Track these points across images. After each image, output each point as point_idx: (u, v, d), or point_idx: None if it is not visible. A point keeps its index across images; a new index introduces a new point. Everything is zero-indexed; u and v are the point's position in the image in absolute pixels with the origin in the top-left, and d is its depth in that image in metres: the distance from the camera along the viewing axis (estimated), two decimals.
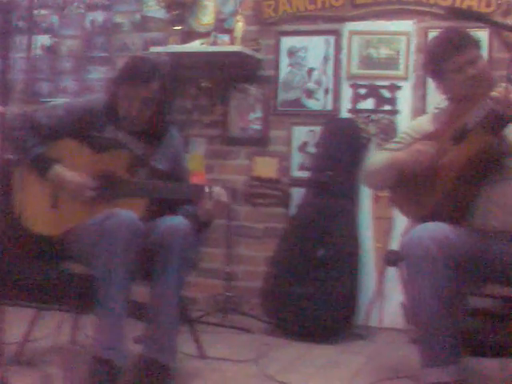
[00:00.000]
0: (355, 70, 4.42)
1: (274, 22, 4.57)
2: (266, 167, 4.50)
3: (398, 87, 4.34)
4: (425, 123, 3.23)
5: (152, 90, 3.05)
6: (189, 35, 4.64)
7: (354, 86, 4.42)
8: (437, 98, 3.99)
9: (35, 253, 3.10)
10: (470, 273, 2.85)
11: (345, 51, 4.44)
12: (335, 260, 4.01)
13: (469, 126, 2.90)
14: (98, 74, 4.89)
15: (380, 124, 4.34)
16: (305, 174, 4.42)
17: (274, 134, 4.57)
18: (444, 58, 3.01)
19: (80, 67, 4.95)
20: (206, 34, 4.58)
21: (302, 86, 4.51)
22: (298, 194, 4.39)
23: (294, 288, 4.00)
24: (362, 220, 4.33)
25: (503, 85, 2.71)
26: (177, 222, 2.99)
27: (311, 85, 4.50)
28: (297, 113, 4.52)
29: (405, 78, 4.33)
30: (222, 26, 4.57)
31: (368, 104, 4.39)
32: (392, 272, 3.92)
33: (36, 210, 3.08)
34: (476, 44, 3.07)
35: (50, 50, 5.01)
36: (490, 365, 3.51)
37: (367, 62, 4.40)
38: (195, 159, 4.64)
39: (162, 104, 3.12)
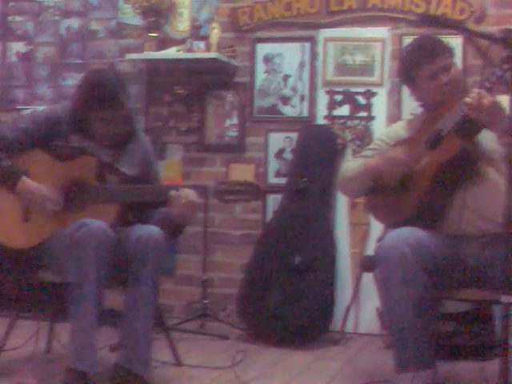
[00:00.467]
0: (331, 76, 4.43)
1: (249, 28, 4.58)
2: (242, 174, 4.49)
3: (374, 93, 4.36)
4: (400, 130, 3.25)
5: (123, 105, 3.07)
6: (164, 42, 4.64)
7: (330, 93, 4.44)
8: (412, 105, 4.02)
9: (9, 264, 3.07)
10: (444, 277, 2.87)
11: (320, 58, 4.45)
12: (311, 266, 4.01)
13: (443, 131, 2.91)
14: (74, 81, 4.82)
15: (355, 130, 4.36)
16: (281, 181, 4.43)
17: (250, 141, 4.57)
18: (417, 66, 3.03)
19: (56, 74, 4.92)
20: (182, 41, 4.58)
21: (278, 92, 4.52)
22: (274, 200, 4.41)
23: (269, 294, 4.00)
24: (339, 226, 4.35)
25: (476, 91, 2.72)
26: (150, 231, 2.99)
27: (287, 91, 4.51)
28: (273, 119, 4.53)
29: (380, 85, 4.35)
30: (197, 32, 4.56)
31: (344, 110, 4.41)
32: (368, 278, 3.93)
33: (7, 224, 3.07)
34: (449, 51, 3.08)
35: (26, 57, 4.98)
36: (466, 368, 3.54)
37: (343, 68, 4.42)
38: (172, 166, 4.64)
39: (129, 111, 3.14)
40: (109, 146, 3.12)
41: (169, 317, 4.23)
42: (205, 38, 4.50)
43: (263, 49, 4.56)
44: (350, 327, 4.23)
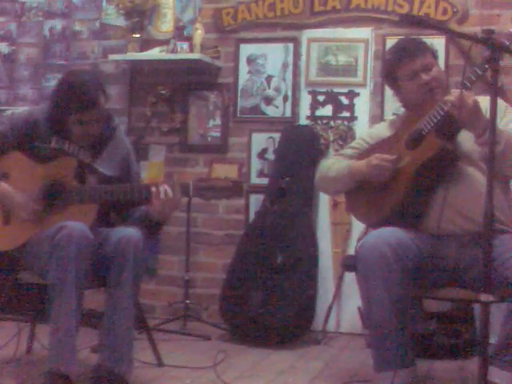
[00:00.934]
0: (314, 77, 4.44)
1: (233, 29, 4.58)
2: (225, 174, 4.49)
3: (356, 94, 4.37)
4: (382, 130, 3.25)
5: (101, 106, 3.07)
6: (148, 43, 4.65)
7: (313, 93, 4.44)
8: (394, 105, 4.06)
9: None
10: (424, 276, 2.88)
11: (303, 58, 4.46)
12: (293, 266, 4.02)
13: (423, 131, 2.92)
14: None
15: (338, 130, 4.36)
16: (264, 181, 4.44)
17: (233, 141, 4.58)
18: (398, 65, 3.05)
19: (38, 75, 4.91)
20: (165, 42, 4.59)
21: (261, 93, 4.53)
22: (256, 200, 4.41)
23: (251, 294, 4.00)
24: (320, 225, 4.36)
25: (459, 90, 2.73)
26: (129, 232, 2.98)
27: (270, 92, 4.51)
28: (256, 120, 4.54)
29: (363, 85, 4.36)
30: (181, 33, 4.56)
31: (326, 111, 4.42)
32: (350, 277, 3.93)
33: None
34: (431, 51, 3.10)
35: (8, 58, 4.96)
36: (446, 367, 3.55)
37: (326, 69, 4.43)
38: (154, 167, 4.63)
39: (107, 112, 3.15)
40: (88, 147, 3.12)
41: (151, 317, 4.23)
42: (188, 38, 4.50)
43: (246, 49, 4.57)
44: (331, 326, 4.24)
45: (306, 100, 4.45)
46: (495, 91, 2.38)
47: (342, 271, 4.06)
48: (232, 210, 4.54)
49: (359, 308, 3.80)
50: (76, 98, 3.01)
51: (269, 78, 4.52)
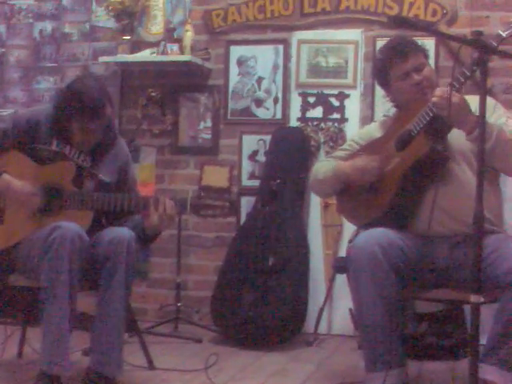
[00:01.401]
0: (304, 78, 4.44)
1: (223, 31, 4.58)
2: (215, 176, 4.50)
3: (347, 95, 4.37)
4: (372, 131, 3.26)
5: (107, 115, 3.06)
6: (138, 45, 4.64)
7: (303, 95, 4.44)
8: (385, 106, 4.05)
9: None
10: (414, 277, 2.88)
11: (294, 60, 4.46)
12: (284, 268, 4.02)
13: (413, 132, 2.93)
14: (47, 84, 4.84)
15: (329, 132, 4.36)
16: (255, 183, 4.43)
17: (223, 143, 4.57)
18: (390, 65, 3.05)
19: (28, 77, 4.89)
20: (156, 44, 4.57)
21: (252, 94, 4.53)
22: (247, 202, 4.41)
23: (243, 296, 4.00)
24: (312, 227, 4.36)
25: (443, 89, 2.74)
26: (122, 232, 2.97)
27: (261, 94, 4.51)
28: (246, 122, 4.54)
29: (353, 87, 4.36)
30: (171, 35, 4.56)
31: (317, 112, 4.42)
32: (341, 279, 3.94)
33: None
34: (422, 51, 3.10)
35: None
36: (436, 367, 3.55)
37: (316, 70, 4.43)
38: (145, 169, 4.62)
39: (111, 120, 3.15)
40: (88, 152, 3.11)
41: (142, 320, 4.22)
42: (178, 40, 4.49)
43: (237, 51, 4.57)
44: (323, 328, 4.23)
45: (296, 102, 4.46)
46: (484, 93, 2.39)
47: (333, 273, 4.07)
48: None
49: (350, 310, 3.80)
50: (82, 107, 2.99)
51: (259, 80, 4.52)
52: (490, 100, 2.98)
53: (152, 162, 4.65)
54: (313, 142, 4.35)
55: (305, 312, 4.06)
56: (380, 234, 2.84)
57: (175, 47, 4.47)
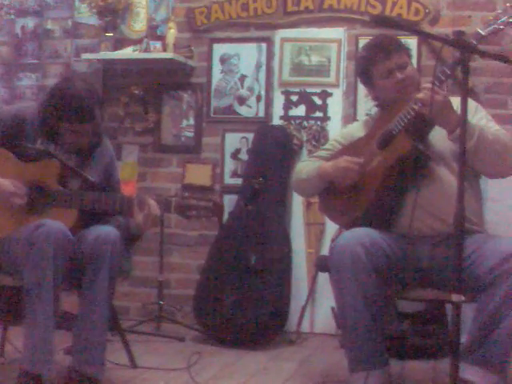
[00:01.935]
0: (287, 77, 4.44)
1: (206, 29, 4.57)
2: (198, 174, 4.49)
3: (329, 94, 4.38)
4: (355, 130, 3.26)
5: (97, 117, 3.03)
6: (121, 42, 4.62)
7: (286, 93, 4.44)
8: (367, 105, 4.08)
9: None
10: (396, 277, 2.89)
11: (277, 58, 4.46)
12: (267, 266, 4.02)
13: (394, 131, 2.94)
14: (29, 81, 4.81)
15: (311, 131, 4.37)
16: (238, 181, 4.43)
17: (206, 141, 4.57)
18: (373, 62, 3.05)
19: (10, 74, 4.86)
20: (139, 41, 4.56)
21: (235, 93, 4.52)
22: (230, 200, 4.41)
23: (225, 295, 3.99)
24: (294, 226, 4.36)
25: (429, 86, 2.74)
26: (106, 231, 2.96)
27: (243, 92, 4.51)
28: (229, 120, 4.53)
29: (336, 85, 4.37)
30: (154, 32, 4.56)
31: (299, 111, 4.42)
32: (323, 277, 3.94)
33: None
34: (406, 50, 3.11)
35: None
36: (418, 367, 3.56)
37: (299, 69, 4.43)
38: (127, 167, 4.61)
39: (99, 121, 3.12)
40: (74, 151, 3.09)
41: (124, 318, 4.22)
42: (161, 37, 4.49)
43: (220, 49, 4.56)
44: (305, 327, 4.24)
45: (279, 100, 4.46)
46: (466, 92, 2.40)
47: (315, 271, 4.07)
48: None
49: (333, 308, 3.80)
50: (72, 109, 2.96)
51: (242, 78, 4.52)
52: (471, 102, 2.99)
53: (134, 160, 4.64)
54: (295, 141, 4.36)
55: (287, 310, 4.07)
56: (362, 234, 2.84)
57: (158, 45, 4.47)
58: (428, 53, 4.23)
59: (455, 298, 2.36)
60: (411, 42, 4.04)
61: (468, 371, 2.62)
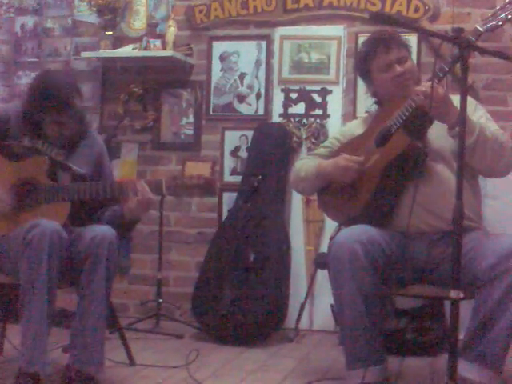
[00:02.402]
0: (286, 74, 4.44)
1: (205, 26, 4.57)
2: (198, 172, 4.48)
3: (329, 91, 4.37)
4: (355, 128, 3.26)
5: (76, 106, 3.05)
6: (120, 40, 4.62)
7: (286, 91, 4.44)
8: (367, 103, 4.06)
9: None
10: (395, 274, 2.88)
11: (276, 56, 4.46)
12: (266, 264, 4.01)
13: (392, 128, 2.93)
14: (28, 80, 4.78)
15: (311, 128, 4.36)
16: (237, 179, 4.43)
17: (206, 139, 4.56)
18: (372, 56, 3.05)
19: (9, 72, 4.86)
20: (138, 39, 4.56)
21: (234, 90, 4.52)
22: (229, 198, 4.41)
23: (224, 292, 3.98)
24: (293, 223, 4.36)
25: (429, 83, 2.74)
26: (103, 230, 2.96)
27: (243, 89, 4.51)
28: (229, 117, 4.53)
29: (335, 83, 4.36)
30: (153, 30, 4.55)
31: (299, 108, 4.42)
32: (322, 275, 3.94)
33: None
34: (405, 45, 3.10)
35: None
36: (416, 363, 3.56)
37: (298, 66, 4.43)
38: (127, 165, 4.61)
39: (81, 111, 3.14)
40: (61, 145, 3.10)
41: (123, 316, 4.21)
42: (161, 35, 4.49)
43: (219, 47, 4.56)
44: (304, 324, 4.23)
45: (278, 98, 4.45)
46: (465, 88, 2.40)
47: (314, 269, 4.06)
48: (205, 208, 4.53)
49: (332, 305, 3.81)
50: (51, 99, 2.99)
51: (241, 76, 4.52)
52: (471, 100, 3.00)
53: (133, 158, 4.64)
54: (295, 138, 4.36)
55: (286, 308, 4.07)
56: (361, 231, 2.84)
57: (158, 43, 4.46)
58: (428, 50, 4.22)
59: (453, 294, 2.36)
60: (411, 38, 4.02)
61: (465, 368, 2.61)
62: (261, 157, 4.32)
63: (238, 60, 4.53)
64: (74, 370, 2.90)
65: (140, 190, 2.95)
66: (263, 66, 4.48)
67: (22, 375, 2.79)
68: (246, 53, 4.51)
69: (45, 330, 2.81)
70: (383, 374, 2.81)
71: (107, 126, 4.61)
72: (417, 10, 4.22)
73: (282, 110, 4.44)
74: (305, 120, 4.39)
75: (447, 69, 2.75)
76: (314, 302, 4.26)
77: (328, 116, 4.36)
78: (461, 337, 2.49)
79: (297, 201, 4.35)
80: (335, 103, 4.36)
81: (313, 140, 4.33)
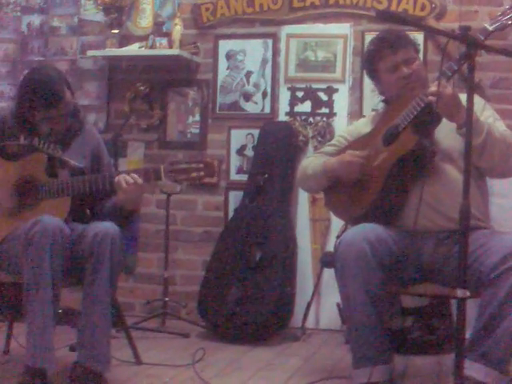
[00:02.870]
0: (293, 72, 4.43)
1: (212, 25, 4.56)
2: None
3: (335, 90, 4.36)
4: (361, 126, 3.26)
5: (68, 101, 3.07)
6: (127, 39, 4.62)
7: (292, 89, 4.43)
8: (373, 101, 4.07)
9: None
10: (401, 273, 2.88)
11: (283, 54, 4.45)
12: (272, 262, 4.01)
13: (400, 126, 2.93)
14: None
15: (317, 127, 4.36)
16: (243, 177, 4.43)
17: (212, 138, 4.56)
18: (380, 58, 3.05)
19: (16, 71, 4.86)
20: (144, 38, 4.55)
21: (240, 89, 4.52)
22: (236, 197, 4.41)
23: (230, 291, 3.99)
24: (300, 222, 4.35)
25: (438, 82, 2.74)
26: (105, 227, 2.96)
27: (249, 88, 4.50)
28: (235, 116, 4.53)
29: (342, 81, 4.35)
30: (160, 29, 4.54)
31: (305, 107, 4.41)
32: (329, 273, 3.94)
33: None
34: (413, 45, 3.10)
35: None
36: (422, 362, 3.55)
37: (305, 64, 4.42)
38: (133, 164, 4.60)
39: (74, 106, 3.15)
40: (57, 140, 3.11)
41: (129, 315, 4.20)
42: (167, 34, 4.48)
43: (226, 45, 4.55)
44: (310, 323, 4.23)
45: (285, 96, 4.45)
46: (472, 87, 2.39)
47: (320, 267, 4.06)
48: (211, 206, 4.53)
49: (338, 304, 3.81)
50: (41, 95, 3.00)
51: (248, 74, 4.51)
52: (479, 99, 2.99)
53: (140, 157, 4.64)
54: (301, 137, 4.35)
55: (292, 307, 4.07)
56: (368, 230, 2.83)
57: (164, 41, 4.46)
58: (434, 48, 4.21)
59: (460, 293, 2.35)
60: (417, 37, 4.03)
61: (471, 368, 2.60)
62: (267, 155, 4.31)
63: (244, 58, 4.53)
64: (81, 368, 2.91)
65: (127, 178, 2.94)
66: (269, 65, 4.48)
67: (28, 371, 2.80)
68: (252, 51, 4.50)
69: (50, 326, 2.81)
70: (390, 373, 2.80)
71: (113, 125, 4.61)
72: (423, 7, 4.21)
73: (288, 109, 4.44)
74: (311, 118, 4.39)
75: (456, 67, 2.74)
76: (320, 300, 4.26)
77: (334, 114, 4.36)
78: (467, 335, 2.48)
79: (303, 199, 4.35)
80: (341, 101, 4.35)
81: (319, 138, 4.33)
